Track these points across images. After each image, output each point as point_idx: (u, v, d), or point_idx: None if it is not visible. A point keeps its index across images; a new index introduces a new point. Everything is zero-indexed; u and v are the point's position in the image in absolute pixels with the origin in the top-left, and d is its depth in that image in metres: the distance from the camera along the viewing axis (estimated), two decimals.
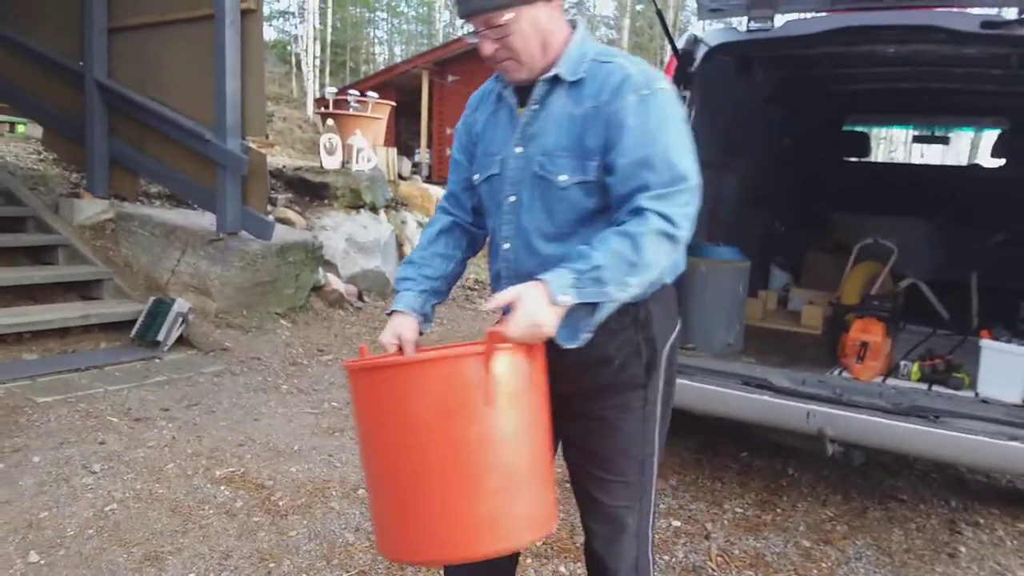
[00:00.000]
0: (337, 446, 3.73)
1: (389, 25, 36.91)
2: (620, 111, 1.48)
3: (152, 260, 5.51)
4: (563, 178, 1.53)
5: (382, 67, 33.11)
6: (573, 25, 1.60)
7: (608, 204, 1.52)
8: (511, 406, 1.40)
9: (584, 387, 1.61)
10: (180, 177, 5.59)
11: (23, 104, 6.63)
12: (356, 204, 7.32)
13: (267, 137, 5.69)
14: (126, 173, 5.98)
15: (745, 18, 3.48)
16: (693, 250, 3.94)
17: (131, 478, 3.22)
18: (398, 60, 32.41)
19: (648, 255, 1.41)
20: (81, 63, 5.96)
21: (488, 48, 1.53)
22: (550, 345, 1.48)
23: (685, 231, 1.44)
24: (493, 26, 1.49)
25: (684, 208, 1.44)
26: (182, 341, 4.88)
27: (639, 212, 1.42)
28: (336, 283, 6.25)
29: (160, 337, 4.69)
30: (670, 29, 3.91)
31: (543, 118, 1.56)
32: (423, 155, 15.33)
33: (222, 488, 3.20)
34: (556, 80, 1.55)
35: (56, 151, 6.71)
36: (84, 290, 5.33)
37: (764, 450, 3.85)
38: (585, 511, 1.73)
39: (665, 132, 1.47)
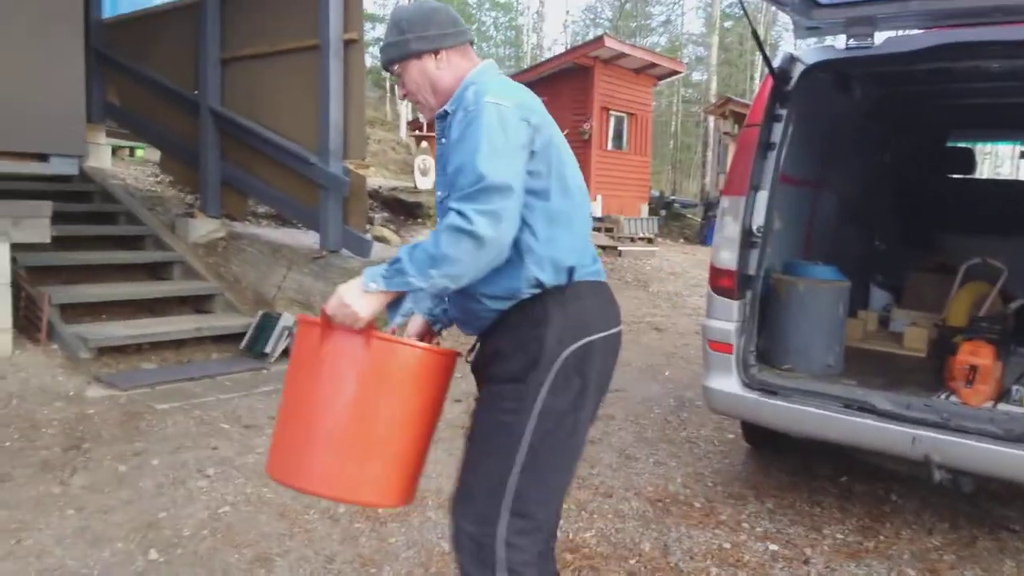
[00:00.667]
0: (432, 458, 3.82)
1: (478, 49, 37.59)
2: (454, 128, 1.68)
3: (259, 276, 5.81)
4: (439, 193, 1.79)
5: None
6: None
7: None
8: (332, 377, 1.70)
9: (486, 375, 1.80)
10: (285, 198, 5.89)
11: (144, 130, 7.12)
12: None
13: (365, 159, 5.92)
14: (236, 194, 6.34)
15: (843, 35, 3.44)
16: (789, 268, 3.93)
17: (241, 482, 3.40)
18: None
19: (444, 248, 1.54)
20: (196, 92, 6.38)
21: (399, 91, 1.89)
22: (481, 336, 1.80)
23: (482, 227, 1.52)
24: (394, 74, 1.85)
25: (481, 205, 1.54)
26: (287, 353, 5.12)
27: (447, 212, 1.58)
28: None
29: (268, 349, 4.94)
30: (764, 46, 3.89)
31: (444, 149, 1.77)
32: None
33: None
34: (444, 115, 1.77)
35: (172, 174, 7.20)
36: (197, 304, 5.67)
37: (864, 474, 3.74)
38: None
39: (477, 139, 1.59)
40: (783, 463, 3.87)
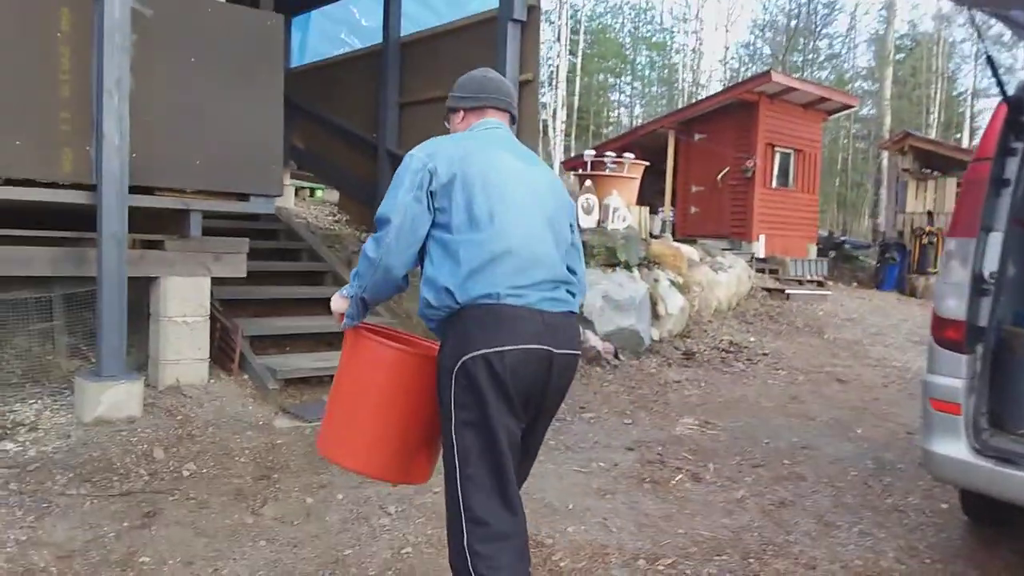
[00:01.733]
0: (610, 509, 3.64)
1: (631, 88, 37.65)
2: None
3: None
4: None
5: (623, 129, 33.81)
6: None
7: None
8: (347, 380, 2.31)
9: None
10: None
11: (325, 172, 7.51)
12: (611, 262, 7.36)
13: None
14: None
15: None
16: (1019, 319, 3.45)
17: (422, 522, 3.36)
18: (638, 121, 32.90)
19: (359, 267, 2.14)
20: (375, 135, 6.64)
21: None
22: None
23: (370, 249, 2.08)
24: None
25: (375, 234, 2.10)
26: None
27: None
28: (594, 340, 6.27)
29: None
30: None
31: None
32: (667, 213, 15.26)
33: None
34: None
35: (349, 213, 7.54)
36: (313, 280, 5.82)
37: None
38: None
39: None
40: (1011, 540, 3.37)
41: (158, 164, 4.01)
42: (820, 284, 13.74)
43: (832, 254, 16.59)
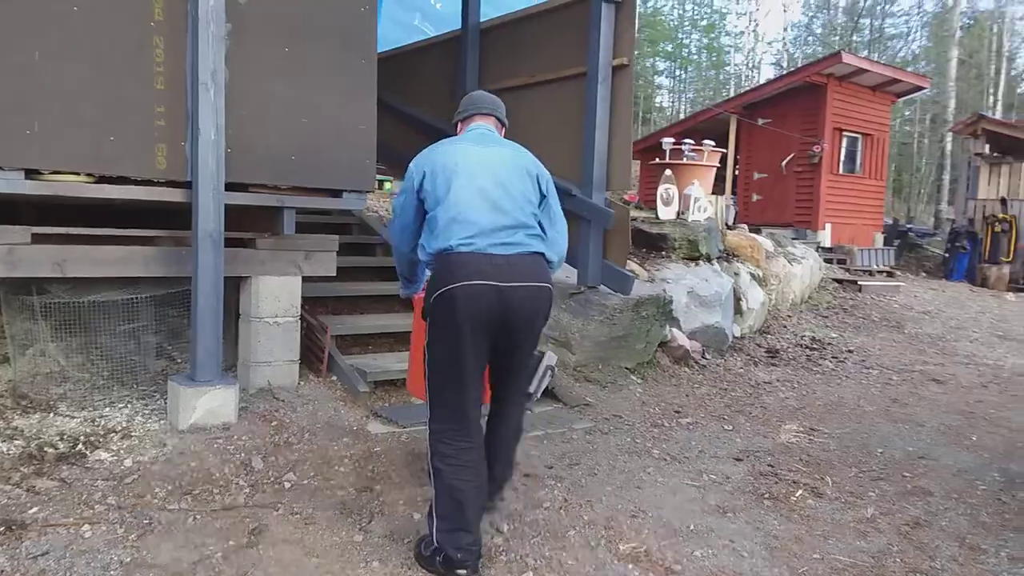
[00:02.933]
0: (735, 530, 3.40)
1: (682, 71, 36.85)
2: None
3: None
4: None
5: (670, 115, 33.12)
6: None
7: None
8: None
9: None
10: None
11: (398, 164, 7.30)
12: (693, 256, 7.07)
13: (631, 190, 5.63)
14: None
15: None
16: None
17: (538, 542, 3.15)
18: (688, 107, 32.22)
19: None
20: (450, 122, 6.41)
21: None
22: None
23: (387, 236, 3.48)
24: None
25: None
26: (548, 393, 4.89)
27: None
28: (681, 339, 6.01)
29: (531, 389, 4.73)
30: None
31: None
32: (729, 201, 14.85)
33: (630, 567, 3.01)
34: None
35: None
36: None
37: None
38: None
39: None
40: None
41: (253, 160, 3.84)
42: (890, 274, 13.25)
43: (897, 243, 16.01)
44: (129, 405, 4.12)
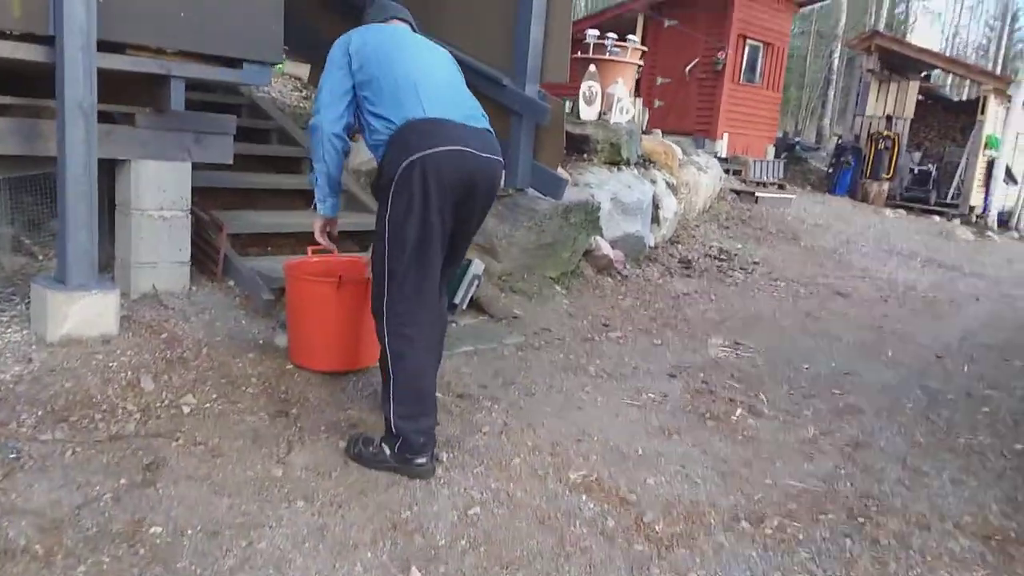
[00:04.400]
0: (683, 454, 3.21)
1: None
2: None
3: None
4: None
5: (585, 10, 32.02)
6: None
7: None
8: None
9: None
10: None
11: (297, 41, 6.45)
12: (614, 160, 6.74)
13: (567, 81, 5.16)
14: None
15: None
16: None
17: (481, 473, 2.84)
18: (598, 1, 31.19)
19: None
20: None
21: None
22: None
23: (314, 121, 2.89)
24: None
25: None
26: (473, 304, 4.52)
27: None
28: (605, 247, 5.73)
29: (456, 300, 4.34)
30: None
31: None
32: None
33: (583, 498, 2.75)
34: None
35: None
36: (364, 240, 5.09)
37: None
38: None
39: None
40: None
41: (133, 14, 3.08)
42: (780, 187, 13.50)
43: (784, 156, 16.33)
44: None
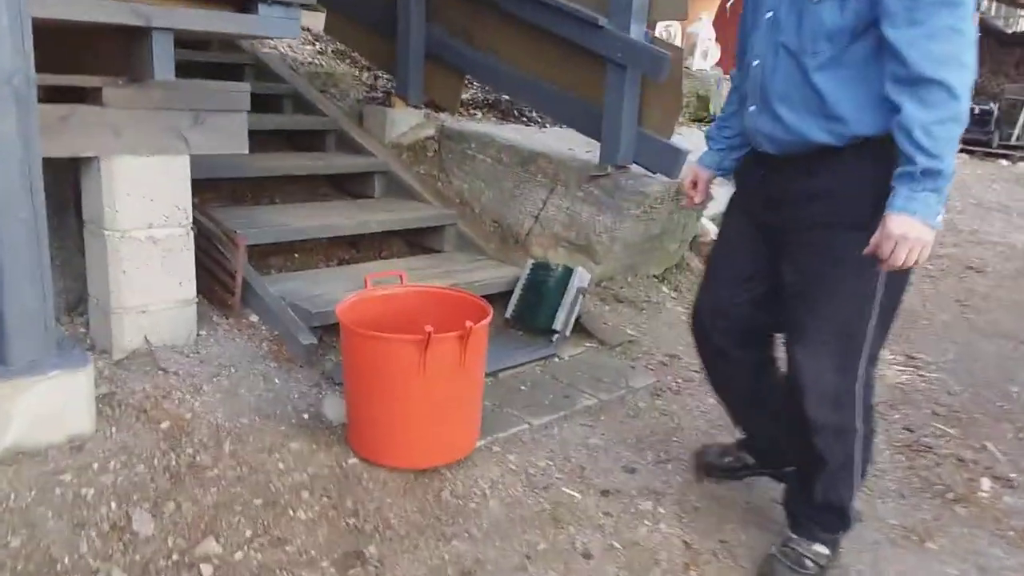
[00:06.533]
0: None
1: None
2: None
3: (500, 199, 4.01)
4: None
5: None
6: None
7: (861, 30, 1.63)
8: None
9: (796, 214, 1.88)
10: (537, 81, 3.98)
11: None
12: (700, 116, 5.54)
13: (686, 17, 4.01)
14: (448, 73, 4.43)
15: None
16: None
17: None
18: None
19: (939, 129, 1.60)
20: None
21: None
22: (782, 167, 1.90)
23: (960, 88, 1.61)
24: None
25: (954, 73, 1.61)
26: (577, 326, 3.38)
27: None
28: (712, 230, 4.57)
29: (557, 326, 3.21)
30: None
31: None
32: None
33: None
34: None
35: (345, 40, 5.23)
36: (415, 238, 3.94)
37: None
38: None
39: None
40: None
41: None
42: None
43: None
44: None
